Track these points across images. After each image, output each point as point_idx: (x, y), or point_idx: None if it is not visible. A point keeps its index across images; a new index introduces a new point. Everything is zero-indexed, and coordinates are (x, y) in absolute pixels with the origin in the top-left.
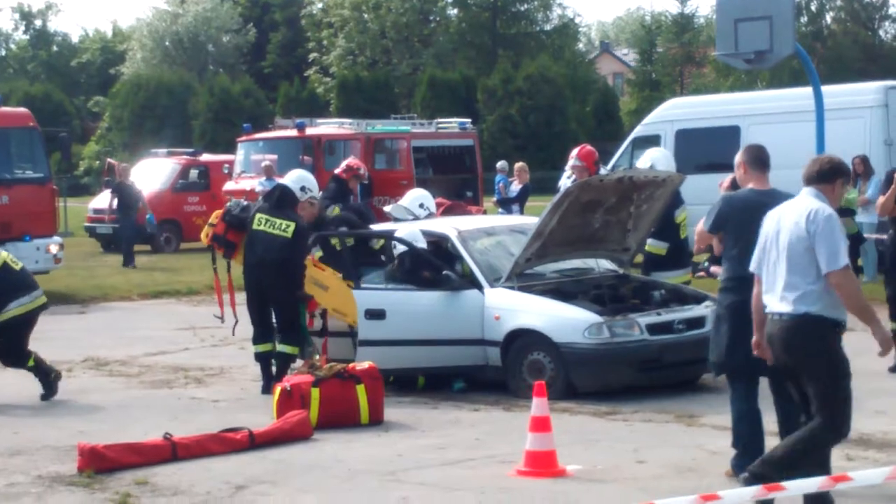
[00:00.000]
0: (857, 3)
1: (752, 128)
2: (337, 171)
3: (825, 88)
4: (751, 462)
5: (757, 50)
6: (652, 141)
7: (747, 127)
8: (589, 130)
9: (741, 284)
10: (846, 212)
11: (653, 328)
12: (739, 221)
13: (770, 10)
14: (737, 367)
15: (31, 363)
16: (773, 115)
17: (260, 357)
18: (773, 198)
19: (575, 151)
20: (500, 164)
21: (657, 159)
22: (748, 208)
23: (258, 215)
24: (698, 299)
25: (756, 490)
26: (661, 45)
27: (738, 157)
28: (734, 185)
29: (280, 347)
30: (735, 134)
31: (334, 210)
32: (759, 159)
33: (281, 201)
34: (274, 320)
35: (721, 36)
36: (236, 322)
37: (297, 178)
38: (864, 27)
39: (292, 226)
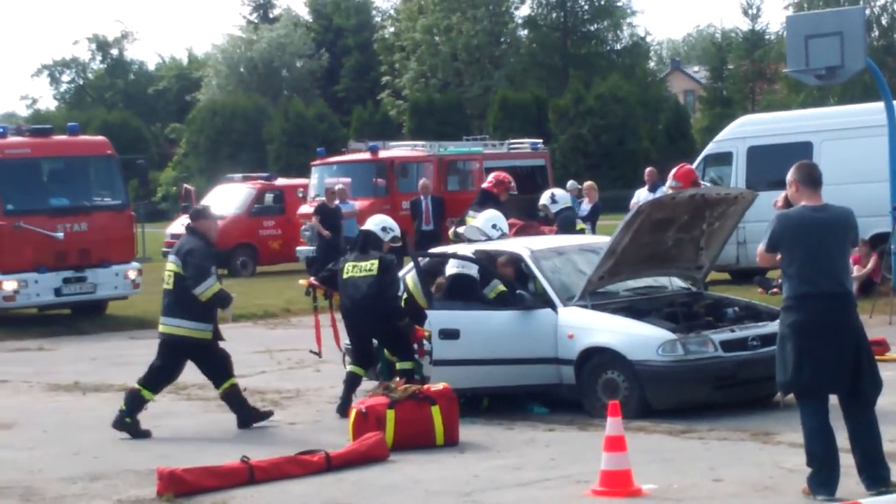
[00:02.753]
0: None
1: (825, 144)
2: (485, 185)
3: None
4: (827, 479)
5: (828, 66)
6: (724, 158)
7: (819, 143)
8: (661, 148)
9: (801, 303)
10: None
11: (727, 345)
12: (795, 239)
13: (841, 25)
14: (803, 386)
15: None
16: (845, 131)
17: (349, 376)
18: (828, 213)
19: (673, 171)
20: (569, 184)
21: (560, 194)
22: (803, 226)
23: (346, 265)
24: (772, 315)
25: None
26: (731, 61)
27: (789, 176)
28: (787, 203)
29: (399, 366)
30: (807, 150)
31: None
32: (811, 177)
33: (365, 245)
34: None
35: (792, 52)
36: (344, 354)
37: (378, 221)
38: None
39: (376, 262)
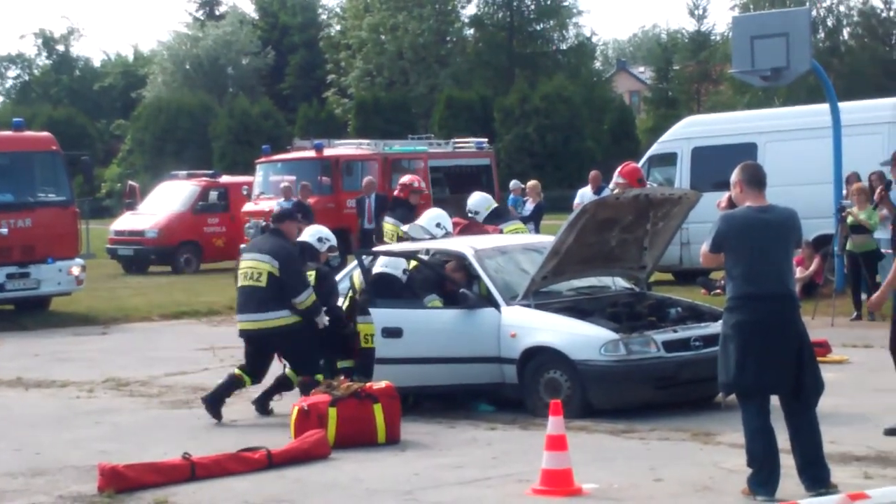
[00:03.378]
0: (874, 19)
1: (769, 145)
2: (396, 192)
3: (842, 105)
4: (767, 479)
5: (773, 67)
6: (668, 159)
7: (764, 144)
8: (606, 149)
9: (745, 303)
10: (863, 229)
11: (669, 345)
12: (739, 239)
13: (786, 26)
14: (745, 387)
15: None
16: (790, 132)
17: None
18: (772, 214)
19: (618, 169)
20: (512, 184)
21: (476, 203)
22: (747, 226)
23: None
24: (715, 316)
25: None
26: (677, 62)
27: (734, 177)
28: (731, 203)
29: (341, 364)
30: (752, 151)
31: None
32: (756, 177)
33: (302, 257)
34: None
35: (737, 53)
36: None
37: (314, 232)
38: (881, 43)
39: (313, 274)
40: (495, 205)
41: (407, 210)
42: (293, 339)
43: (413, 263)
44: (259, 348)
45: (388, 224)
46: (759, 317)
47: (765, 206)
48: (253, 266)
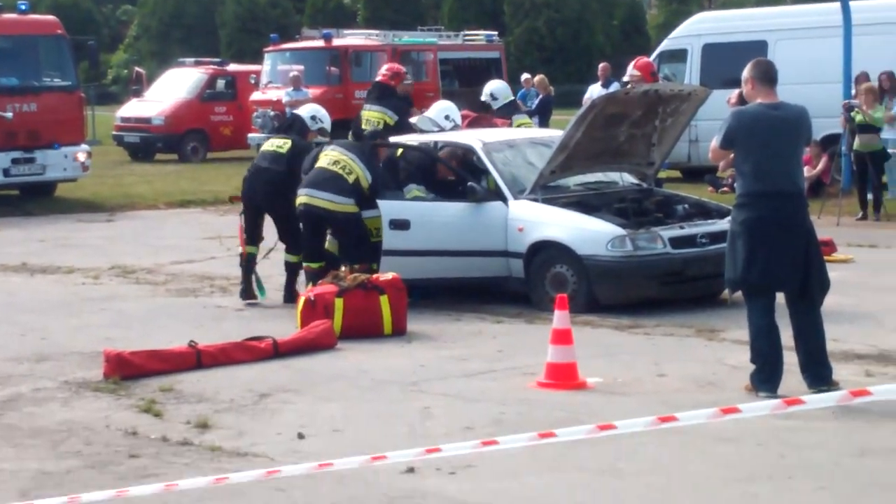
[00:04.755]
0: None
1: (780, 43)
2: (380, 77)
3: (853, 4)
4: (770, 376)
5: None
6: (678, 55)
7: (774, 42)
8: (616, 44)
9: (755, 200)
10: (872, 129)
11: (676, 241)
12: (750, 136)
13: None
14: (752, 284)
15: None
16: (800, 31)
17: (243, 260)
18: (783, 111)
19: (633, 63)
20: (523, 77)
21: (497, 90)
22: (758, 123)
23: (267, 142)
24: (722, 214)
25: (775, 404)
26: None
27: (745, 73)
28: (741, 100)
29: (286, 258)
30: (762, 49)
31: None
32: (767, 74)
33: (290, 128)
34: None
35: None
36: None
37: (310, 110)
38: None
39: (289, 143)
40: (512, 97)
41: (393, 98)
42: (355, 227)
43: (399, 151)
44: (318, 227)
45: (374, 112)
46: (767, 214)
47: (776, 102)
48: (347, 162)
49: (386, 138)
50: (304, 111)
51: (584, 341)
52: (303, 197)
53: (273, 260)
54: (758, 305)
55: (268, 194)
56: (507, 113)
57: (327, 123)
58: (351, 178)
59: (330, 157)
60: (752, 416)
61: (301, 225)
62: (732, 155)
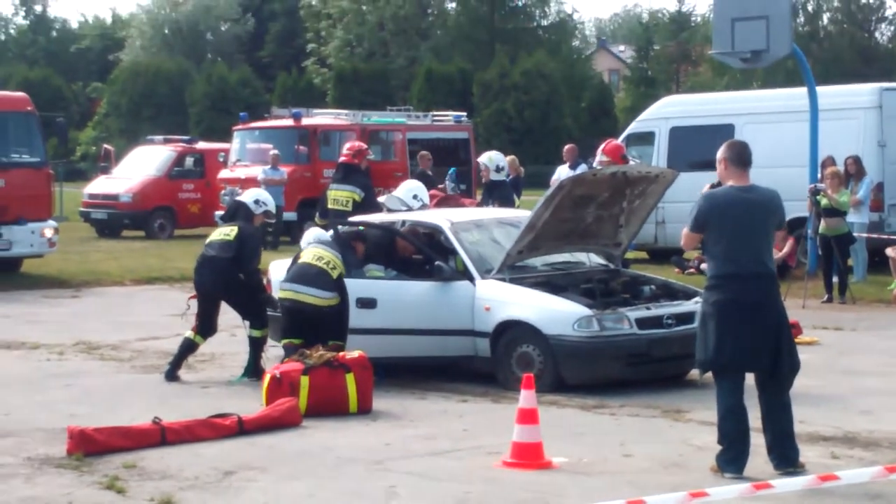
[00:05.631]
0: (853, 5)
1: (747, 126)
2: (343, 158)
3: (820, 89)
4: (737, 457)
5: (753, 49)
6: (646, 138)
7: (742, 126)
8: (584, 126)
9: (726, 282)
10: (837, 212)
11: (642, 322)
12: (721, 218)
13: (767, 9)
14: (724, 365)
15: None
16: (767, 115)
17: (185, 342)
18: (755, 194)
19: (602, 147)
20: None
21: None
22: (730, 205)
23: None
24: (688, 295)
25: (744, 488)
26: (657, 42)
27: (720, 154)
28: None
29: (249, 333)
30: (729, 132)
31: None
32: (741, 157)
33: (234, 215)
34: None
35: (718, 34)
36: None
37: (253, 194)
38: (860, 28)
39: (235, 230)
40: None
41: (360, 176)
42: (338, 317)
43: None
44: (301, 319)
45: (343, 191)
46: (739, 296)
47: (748, 185)
48: (331, 258)
49: (356, 215)
50: (247, 196)
51: (550, 421)
52: (287, 292)
53: (240, 337)
54: (726, 386)
55: (217, 282)
56: (497, 189)
57: (271, 206)
58: (335, 274)
59: (314, 253)
60: (722, 499)
61: (283, 315)
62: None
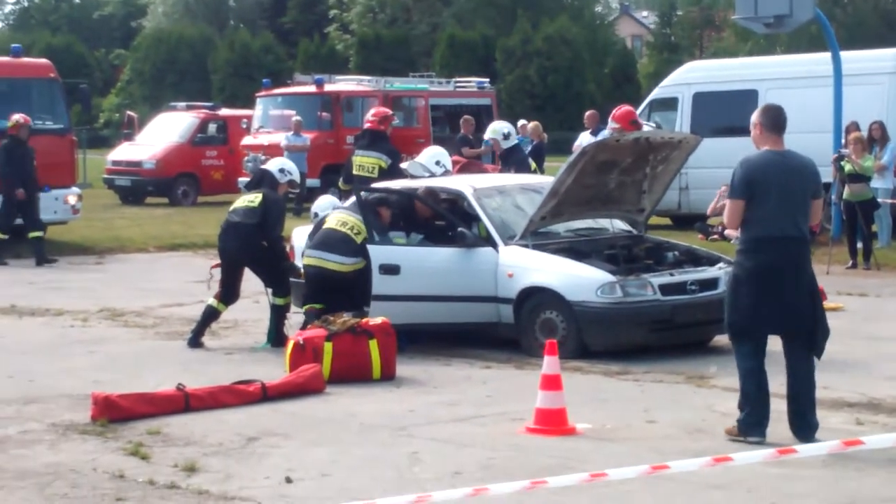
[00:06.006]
0: None
1: (770, 92)
2: (368, 124)
3: (844, 54)
4: (759, 420)
5: (776, 14)
6: (669, 104)
7: (765, 91)
8: (607, 92)
9: (763, 245)
10: (861, 178)
11: (665, 288)
12: (764, 182)
13: None
14: (756, 329)
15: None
16: (791, 80)
17: (207, 309)
18: (792, 159)
19: (612, 113)
20: (519, 124)
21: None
22: (770, 168)
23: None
24: (712, 261)
25: (768, 453)
26: (681, 7)
27: (754, 117)
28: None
29: (273, 301)
30: (752, 98)
31: None
32: (776, 122)
33: (260, 183)
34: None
35: None
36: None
37: (278, 163)
38: None
39: (260, 196)
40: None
41: (385, 142)
42: (363, 278)
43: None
44: (325, 286)
45: (369, 157)
46: (777, 258)
47: (783, 150)
48: (355, 223)
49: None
50: (272, 165)
51: (574, 387)
52: (311, 259)
53: (263, 304)
54: (749, 350)
55: (241, 249)
56: (521, 160)
57: (296, 175)
58: (359, 239)
59: (338, 218)
60: (744, 463)
61: (307, 282)
62: (723, 202)
